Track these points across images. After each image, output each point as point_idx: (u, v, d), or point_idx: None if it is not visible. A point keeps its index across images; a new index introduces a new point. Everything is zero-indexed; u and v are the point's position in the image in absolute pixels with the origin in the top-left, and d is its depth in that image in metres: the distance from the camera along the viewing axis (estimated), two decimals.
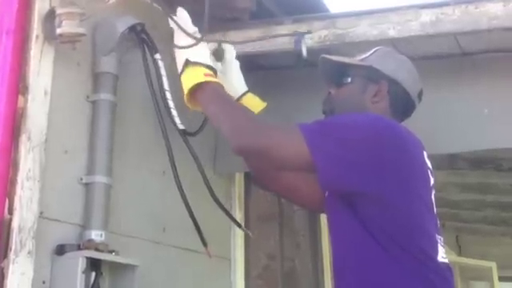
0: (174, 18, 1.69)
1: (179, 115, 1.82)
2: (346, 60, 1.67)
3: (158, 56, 1.83)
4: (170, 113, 1.79)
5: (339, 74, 1.67)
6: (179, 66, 1.66)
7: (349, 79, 1.65)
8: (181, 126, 1.77)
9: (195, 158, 1.82)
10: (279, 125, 1.50)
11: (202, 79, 1.60)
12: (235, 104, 1.59)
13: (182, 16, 1.71)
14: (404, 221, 1.41)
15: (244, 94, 1.82)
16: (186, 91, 1.61)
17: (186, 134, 1.80)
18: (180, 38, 1.69)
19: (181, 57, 1.67)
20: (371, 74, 1.63)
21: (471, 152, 2.60)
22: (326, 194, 1.58)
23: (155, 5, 1.65)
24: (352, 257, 1.45)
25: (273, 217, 2.92)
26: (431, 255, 1.43)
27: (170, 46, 2.10)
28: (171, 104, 1.77)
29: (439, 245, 1.47)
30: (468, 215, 4.72)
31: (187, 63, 1.64)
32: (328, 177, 1.42)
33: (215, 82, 1.63)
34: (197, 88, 1.60)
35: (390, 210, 1.41)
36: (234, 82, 1.83)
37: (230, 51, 1.86)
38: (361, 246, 1.42)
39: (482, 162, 3.12)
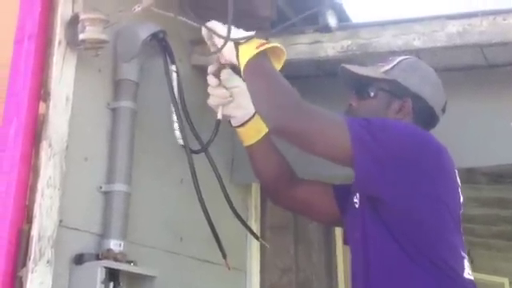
0: (207, 24, 1.62)
1: (197, 128, 1.80)
2: (370, 73, 1.64)
3: (173, 68, 1.80)
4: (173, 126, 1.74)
5: (361, 85, 1.64)
6: (233, 59, 1.57)
7: (372, 93, 1.62)
8: (180, 142, 1.73)
9: (215, 169, 1.79)
10: (326, 111, 1.45)
11: (255, 51, 1.50)
12: (282, 82, 1.50)
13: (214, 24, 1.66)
14: (432, 234, 1.41)
15: (254, 114, 1.72)
16: (243, 67, 1.52)
17: (192, 151, 1.75)
18: (220, 41, 1.59)
19: (229, 53, 1.57)
20: (395, 89, 1.60)
21: (492, 166, 2.56)
22: (357, 204, 1.55)
23: (180, 17, 1.61)
24: (379, 266, 1.44)
25: (288, 228, 2.89)
26: (458, 271, 1.43)
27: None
28: (174, 118, 1.74)
29: (465, 261, 1.47)
30: (483, 230, 4.66)
31: (237, 45, 1.54)
32: (364, 174, 1.40)
33: (265, 60, 1.53)
34: (248, 64, 1.51)
35: (419, 221, 1.40)
36: (244, 102, 1.70)
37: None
38: (389, 255, 1.41)
39: (500, 176, 3.07)
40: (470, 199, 3.76)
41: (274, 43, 1.56)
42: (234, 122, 1.74)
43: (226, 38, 1.52)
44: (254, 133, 1.74)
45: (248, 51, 1.52)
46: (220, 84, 1.69)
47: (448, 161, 1.48)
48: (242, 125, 1.73)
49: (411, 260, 1.38)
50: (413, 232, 1.40)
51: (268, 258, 2.62)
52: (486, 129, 1.98)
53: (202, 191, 1.75)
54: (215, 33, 1.57)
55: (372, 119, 1.48)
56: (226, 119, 1.76)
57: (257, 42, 1.54)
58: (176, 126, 1.73)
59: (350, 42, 1.92)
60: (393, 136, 1.41)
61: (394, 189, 1.39)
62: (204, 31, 1.63)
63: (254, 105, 1.54)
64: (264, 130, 1.74)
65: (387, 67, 1.64)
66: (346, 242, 1.76)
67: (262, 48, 1.52)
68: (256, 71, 1.52)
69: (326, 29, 1.79)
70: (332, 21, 1.82)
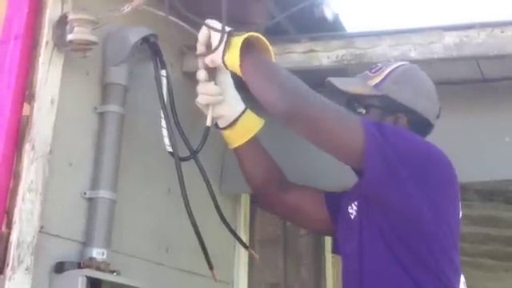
0: (207, 22, 1.59)
1: (187, 135, 1.75)
2: (359, 90, 1.60)
3: (163, 73, 1.75)
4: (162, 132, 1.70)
5: (350, 100, 1.61)
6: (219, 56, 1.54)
7: (363, 110, 1.59)
8: (168, 149, 1.69)
9: (205, 179, 1.75)
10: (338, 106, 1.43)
11: (247, 35, 1.49)
12: (288, 72, 1.48)
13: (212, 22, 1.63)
14: (432, 243, 1.40)
15: (243, 112, 1.71)
16: (238, 52, 1.48)
17: (181, 159, 1.70)
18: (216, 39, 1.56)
19: (218, 56, 1.54)
20: (387, 105, 1.58)
21: (485, 183, 2.53)
22: (353, 215, 1.51)
23: (172, 18, 1.57)
24: (372, 278, 1.42)
25: (277, 241, 2.85)
26: (454, 284, 1.44)
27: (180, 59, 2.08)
28: (163, 124, 1.69)
29: (462, 276, 1.49)
30: (472, 249, 4.62)
31: (230, 35, 1.51)
32: (372, 172, 1.37)
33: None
34: (244, 54, 1.47)
35: (418, 228, 1.39)
36: (232, 101, 1.70)
37: (224, 71, 1.66)
38: (383, 267, 1.40)
39: (492, 194, 3.05)
40: (462, 217, 3.73)
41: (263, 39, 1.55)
42: (222, 123, 1.70)
43: (222, 31, 1.49)
44: (244, 132, 1.70)
45: (239, 40, 1.49)
46: (209, 80, 1.66)
47: (454, 176, 1.48)
48: (230, 125, 1.69)
49: (406, 271, 1.37)
50: (410, 240, 1.39)
51: (256, 272, 2.57)
52: (481, 144, 1.96)
53: (190, 201, 1.71)
54: (213, 28, 1.54)
55: (383, 123, 1.48)
56: (214, 121, 1.72)
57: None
58: (165, 132, 1.69)
59: (345, 52, 1.89)
60: (404, 142, 1.42)
61: (397, 191, 1.37)
62: (201, 32, 1.59)
63: (257, 91, 1.48)
64: (254, 128, 1.70)
65: (378, 79, 1.60)
66: (334, 250, 1.72)
67: (252, 34, 1.49)
68: (259, 60, 1.50)
69: (321, 37, 1.76)
70: (328, 13, 1.79)
